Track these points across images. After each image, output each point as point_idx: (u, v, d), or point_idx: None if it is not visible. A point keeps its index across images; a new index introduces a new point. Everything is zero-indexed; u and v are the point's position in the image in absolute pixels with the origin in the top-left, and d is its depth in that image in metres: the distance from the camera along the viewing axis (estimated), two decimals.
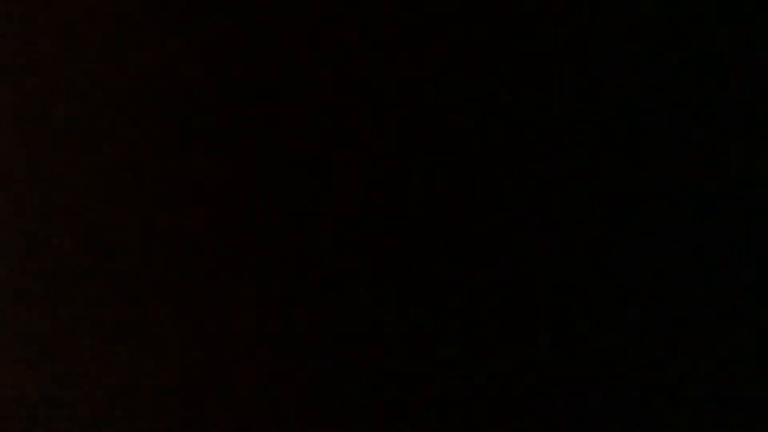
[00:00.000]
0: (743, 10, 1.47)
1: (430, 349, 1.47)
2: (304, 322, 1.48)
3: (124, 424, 1.48)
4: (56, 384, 1.48)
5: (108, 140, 1.51)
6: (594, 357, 1.45)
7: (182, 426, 1.47)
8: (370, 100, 1.50)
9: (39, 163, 1.51)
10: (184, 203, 1.50)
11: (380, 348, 1.47)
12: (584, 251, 1.47)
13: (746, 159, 1.46)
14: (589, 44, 1.49)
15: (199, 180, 1.50)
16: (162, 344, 1.48)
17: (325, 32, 1.50)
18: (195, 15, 1.51)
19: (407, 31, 1.50)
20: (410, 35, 1.50)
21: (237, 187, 1.50)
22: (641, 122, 1.48)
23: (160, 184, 1.50)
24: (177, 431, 1.47)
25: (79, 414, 1.48)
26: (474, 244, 1.48)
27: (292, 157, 1.50)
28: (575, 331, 1.46)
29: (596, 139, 1.48)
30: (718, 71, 1.48)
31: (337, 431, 1.46)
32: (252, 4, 1.51)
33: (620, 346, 1.45)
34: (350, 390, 1.47)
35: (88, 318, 1.49)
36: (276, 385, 1.47)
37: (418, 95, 1.49)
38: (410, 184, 1.49)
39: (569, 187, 1.47)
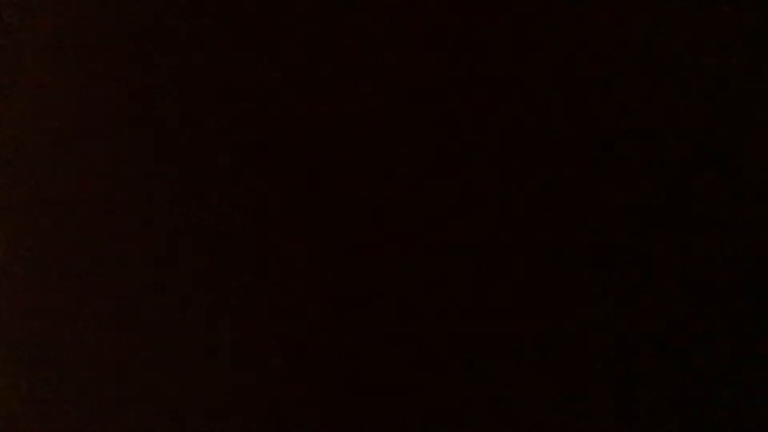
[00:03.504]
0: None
1: (429, 351, 1.47)
2: (303, 325, 1.48)
3: (120, 424, 1.48)
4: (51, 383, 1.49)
5: (108, 140, 1.51)
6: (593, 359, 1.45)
7: (180, 426, 1.47)
8: (370, 101, 1.50)
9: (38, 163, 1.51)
10: (186, 202, 1.50)
11: (379, 349, 1.47)
12: (583, 253, 1.47)
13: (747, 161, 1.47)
14: (587, 46, 1.49)
15: (198, 180, 1.50)
16: (162, 344, 1.48)
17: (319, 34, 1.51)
18: (195, 16, 1.52)
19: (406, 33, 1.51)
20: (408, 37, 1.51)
21: (235, 188, 1.50)
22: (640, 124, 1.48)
23: (161, 183, 1.51)
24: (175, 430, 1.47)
25: (75, 413, 1.48)
26: (473, 244, 1.48)
27: (293, 159, 1.50)
28: (574, 332, 1.46)
29: (595, 140, 1.48)
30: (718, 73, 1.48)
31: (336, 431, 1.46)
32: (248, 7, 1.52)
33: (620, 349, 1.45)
34: (349, 393, 1.47)
35: (85, 315, 1.49)
36: (275, 387, 1.47)
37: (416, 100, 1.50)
38: (409, 186, 1.49)
39: (569, 189, 1.47)
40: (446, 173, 1.49)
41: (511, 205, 1.48)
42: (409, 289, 1.47)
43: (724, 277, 1.45)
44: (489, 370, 1.46)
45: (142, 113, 1.52)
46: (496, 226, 1.48)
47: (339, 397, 1.47)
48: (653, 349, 1.45)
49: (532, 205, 1.48)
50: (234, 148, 1.50)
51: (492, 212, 1.48)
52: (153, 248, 1.50)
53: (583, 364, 1.45)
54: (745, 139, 1.47)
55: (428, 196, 1.49)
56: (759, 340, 1.43)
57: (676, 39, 1.49)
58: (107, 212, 1.51)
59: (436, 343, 1.47)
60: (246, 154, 1.50)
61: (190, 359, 1.48)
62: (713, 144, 1.47)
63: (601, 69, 1.49)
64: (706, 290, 1.45)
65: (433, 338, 1.47)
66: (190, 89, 1.52)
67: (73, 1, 1.53)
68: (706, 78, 1.48)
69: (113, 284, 1.49)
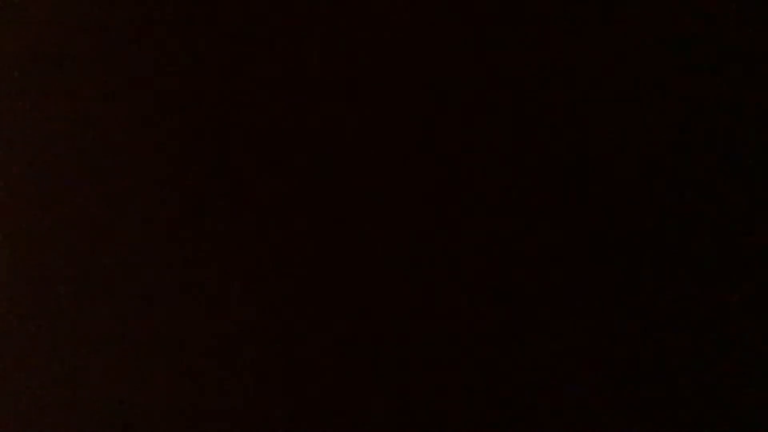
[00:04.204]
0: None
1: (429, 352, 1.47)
2: (302, 326, 1.48)
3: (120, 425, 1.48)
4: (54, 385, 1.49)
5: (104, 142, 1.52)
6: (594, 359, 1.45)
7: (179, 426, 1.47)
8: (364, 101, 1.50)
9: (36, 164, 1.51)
10: (184, 203, 1.50)
11: (378, 349, 1.47)
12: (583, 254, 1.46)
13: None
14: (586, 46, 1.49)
15: (198, 180, 1.50)
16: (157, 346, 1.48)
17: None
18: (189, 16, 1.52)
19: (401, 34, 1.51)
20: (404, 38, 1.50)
21: (234, 188, 1.50)
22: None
23: (157, 184, 1.51)
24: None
25: (74, 415, 1.48)
26: (471, 245, 1.48)
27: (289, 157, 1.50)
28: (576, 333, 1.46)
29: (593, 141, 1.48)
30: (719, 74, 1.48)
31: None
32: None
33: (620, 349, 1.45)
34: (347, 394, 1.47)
35: (81, 316, 1.49)
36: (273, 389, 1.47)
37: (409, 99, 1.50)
38: (410, 186, 1.49)
39: (567, 188, 1.47)
40: (445, 173, 1.49)
41: (509, 206, 1.48)
42: (409, 291, 1.47)
43: (723, 276, 1.45)
44: (488, 371, 1.46)
45: (141, 113, 1.52)
46: (496, 227, 1.48)
47: (338, 401, 1.47)
48: (653, 350, 1.45)
49: (531, 205, 1.48)
50: (233, 151, 1.50)
51: (490, 213, 1.48)
52: (152, 249, 1.50)
53: (581, 365, 1.45)
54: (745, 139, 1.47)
55: (428, 196, 1.49)
56: (759, 340, 1.43)
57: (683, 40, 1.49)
58: (106, 213, 1.51)
59: (434, 345, 1.47)
60: (244, 155, 1.50)
61: (188, 361, 1.48)
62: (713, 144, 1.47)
63: (601, 73, 1.49)
64: (705, 290, 1.45)
65: (431, 340, 1.47)
66: (188, 90, 1.52)
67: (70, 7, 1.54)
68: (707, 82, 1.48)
69: (112, 285, 1.49)
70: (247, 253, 1.48)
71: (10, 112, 1.52)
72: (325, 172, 1.49)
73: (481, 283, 1.47)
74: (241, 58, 1.51)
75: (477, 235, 1.47)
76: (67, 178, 1.51)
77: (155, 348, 1.48)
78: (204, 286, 1.48)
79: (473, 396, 1.45)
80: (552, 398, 1.44)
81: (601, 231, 1.46)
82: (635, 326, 1.45)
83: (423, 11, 1.50)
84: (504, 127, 1.48)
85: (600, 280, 1.45)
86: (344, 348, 1.47)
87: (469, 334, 1.46)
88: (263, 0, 1.52)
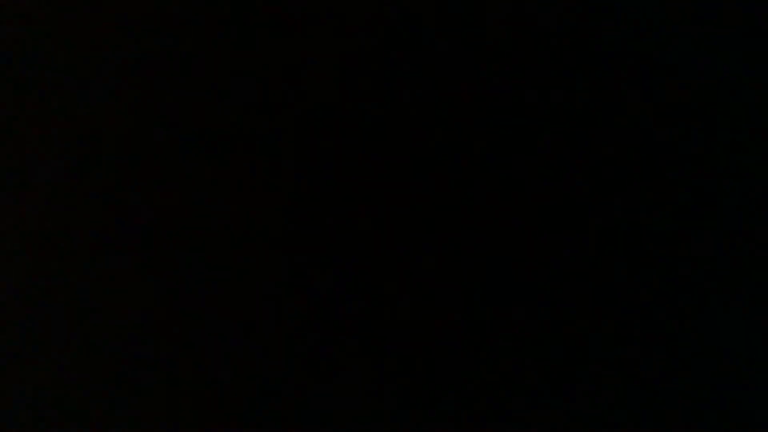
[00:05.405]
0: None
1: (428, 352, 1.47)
2: (302, 324, 1.48)
3: (121, 424, 1.47)
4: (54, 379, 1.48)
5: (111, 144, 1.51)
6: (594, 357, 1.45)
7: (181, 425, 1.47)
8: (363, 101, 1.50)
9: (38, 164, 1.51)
10: (184, 203, 1.50)
11: (378, 349, 1.47)
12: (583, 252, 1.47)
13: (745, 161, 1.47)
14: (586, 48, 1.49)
15: (195, 181, 1.50)
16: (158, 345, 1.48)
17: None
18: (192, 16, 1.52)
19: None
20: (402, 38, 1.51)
21: (235, 189, 1.50)
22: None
23: (160, 184, 1.51)
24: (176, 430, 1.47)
25: (75, 413, 1.48)
26: (471, 245, 1.48)
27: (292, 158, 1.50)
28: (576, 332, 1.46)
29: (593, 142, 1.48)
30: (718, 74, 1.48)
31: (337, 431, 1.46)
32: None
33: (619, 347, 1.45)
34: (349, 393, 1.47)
35: (85, 314, 1.49)
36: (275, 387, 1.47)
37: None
38: (406, 186, 1.49)
39: (568, 189, 1.48)
40: (445, 175, 1.49)
41: (505, 206, 1.48)
42: (408, 293, 1.48)
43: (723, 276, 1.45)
44: (486, 371, 1.46)
45: (143, 111, 1.52)
46: (492, 228, 1.48)
47: (336, 399, 1.47)
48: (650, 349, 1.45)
49: (528, 206, 1.48)
50: (231, 152, 1.50)
51: (487, 215, 1.48)
52: (152, 249, 1.50)
53: (579, 364, 1.45)
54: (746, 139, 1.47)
55: (425, 196, 1.49)
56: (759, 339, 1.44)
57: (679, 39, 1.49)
58: (105, 214, 1.51)
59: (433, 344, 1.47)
60: (242, 157, 1.50)
61: (185, 360, 1.48)
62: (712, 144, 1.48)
63: (598, 70, 1.49)
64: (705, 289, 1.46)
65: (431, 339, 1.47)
66: (190, 91, 1.52)
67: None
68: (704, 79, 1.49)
69: (111, 278, 1.49)
70: (252, 253, 1.49)
71: (10, 113, 1.52)
72: (325, 171, 1.50)
73: (481, 283, 1.47)
74: (242, 58, 1.51)
75: (477, 235, 1.48)
76: (69, 179, 1.51)
77: (157, 347, 1.48)
78: (206, 287, 1.48)
79: (473, 395, 1.46)
80: (552, 398, 1.45)
81: (601, 231, 1.47)
82: (635, 326, 1.45)
83: (424, 14, 1.51)
84: (503, 128, 1.49)
85: (599, 279, 1.46)
86: (347, 348, 1.47)
87: (469, 333, 1.47)
88: (266, 1, 1.52)
